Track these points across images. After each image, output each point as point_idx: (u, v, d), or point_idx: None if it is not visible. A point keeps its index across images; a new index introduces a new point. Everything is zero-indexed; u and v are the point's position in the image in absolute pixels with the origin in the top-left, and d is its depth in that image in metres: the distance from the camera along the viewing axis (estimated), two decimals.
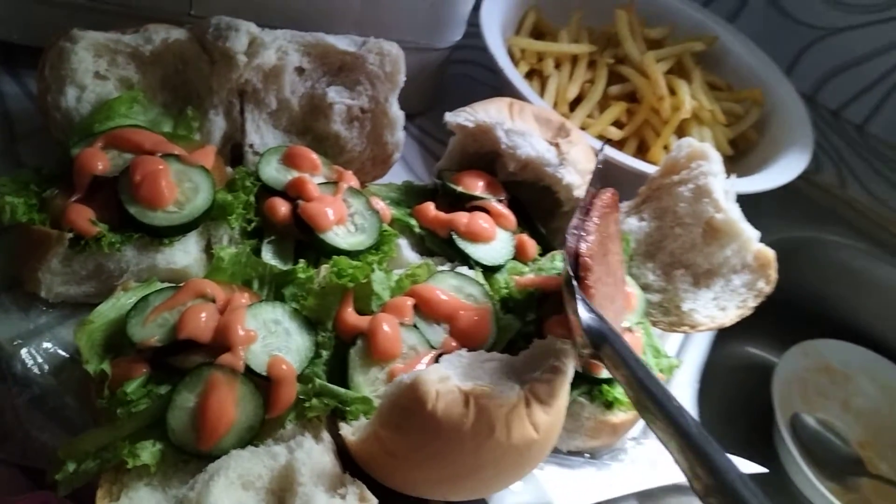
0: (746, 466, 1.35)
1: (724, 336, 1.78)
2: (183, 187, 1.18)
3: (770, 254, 1.29)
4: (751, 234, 1.28)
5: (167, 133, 1.28)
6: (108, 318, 1.05)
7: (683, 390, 1.48)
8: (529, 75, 1.71)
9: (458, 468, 0.97)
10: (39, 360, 1.08)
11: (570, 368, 1.01)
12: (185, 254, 1.19)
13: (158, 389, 1.00)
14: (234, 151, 1.37)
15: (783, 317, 2.04)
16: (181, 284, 1.09)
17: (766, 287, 1.30)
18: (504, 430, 0.93)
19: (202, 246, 1.22)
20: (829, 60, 2.23)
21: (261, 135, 1.36)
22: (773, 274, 1.29)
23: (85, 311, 1.17)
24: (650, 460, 1.27)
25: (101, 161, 1.17)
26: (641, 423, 1.33)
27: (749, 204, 1.45)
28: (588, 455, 1.25)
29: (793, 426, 1.94)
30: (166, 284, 1.11)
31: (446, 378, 0.92)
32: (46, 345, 1.10)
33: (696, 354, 1.56)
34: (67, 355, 1.10)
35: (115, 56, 1.26)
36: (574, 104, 1.68)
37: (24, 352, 1.07)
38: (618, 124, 1.68)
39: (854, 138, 2.25)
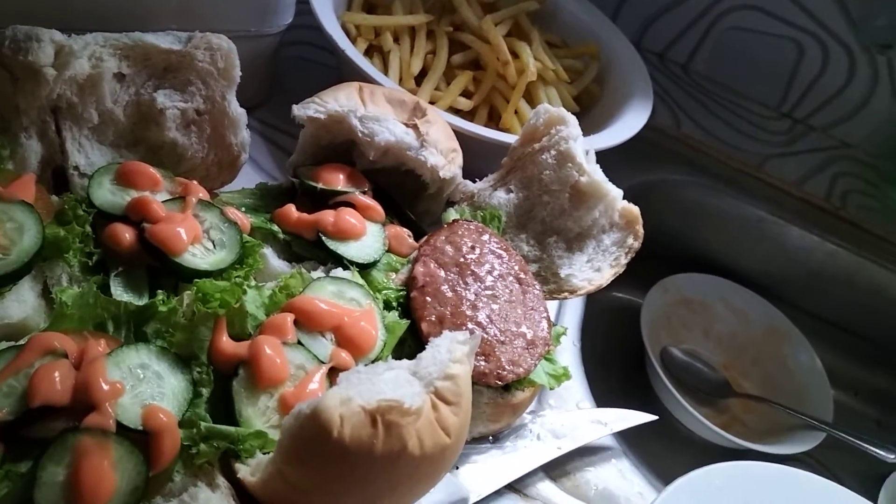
0: (638, 417, 1.39)
1: None
2: (4, 229, 1.02)
3: (635, 210, 1.31)
4: (615, 192, 1.29)
5: None
6: None
7: (567, 352, 1.49)
8: (369, 52, 1.63)
9: (374, 490, 0.91)
10: None
11: (471, 361, 0.98)
12: (20, 304, 1.03)
13: (17, 468, 0.87)
14: (56, 176, 1.21)
15: (642, 259, 2.12)
16: (22, 342, 0.95)
17: (635, 243, 1.32)
18: (416, 442, 0.89)
19: (38, 291, 1.07)
20: (648, 5, 2.30)
21: (85, 154, 1.21)
22: (640, 229, 1.31)
23: None
24: (552, 432, 1.28)
25: None
26: (538, 397, 1.33)
27: (598, 154, 1.47)
28: (492, 438, 1.24)
29: (663, 360, 2.02)
30: (5, 344, 0.96)
31: (348, 400, 0.85)
32: None
33: (574, 315, 1.58)
34: None
35: None
36: (419, 78, 1.62)
37: None
38: (466, 94, 1.64)
39: (681, 77, 2.35)
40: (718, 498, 1.22)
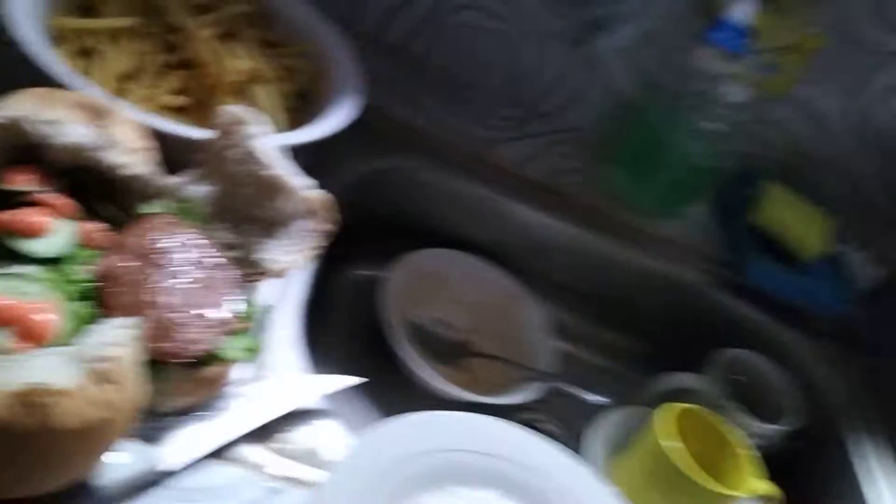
0: (346, 381, 1.53)
1: (330, 267, 1.97)
2: None
3: (321, 198, 1.43)
4: (299, 184, 1.42)
5: None
6: None
7: (286, 331, 1.61)
8: (82, 54, 1.67)
9: (37, 468, 1.00)
10: None
11: (135, 341, 1.08)
12: None
13: None
14: None
15: (383, 239, 2.30)
16: None
17: (324, 227, 1.45)
18: (73, 420, 0.97)
19: None
20: (382, 2, 2.47)
21: None
22: (328, 214, 1.44)
23: None
24: (259, 400, 1.40)
25: None
26: (254, 370, 1.45)
27: (330, 146, 1.67)
28: (196, 411, 1.34)
29: (407, 331, 2.19)
30: None
31: None
32: None
33: (295, 294, 1.71)
34: None
35: None
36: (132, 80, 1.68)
37: None
38: (184, 93, 1.72)
39: (415, 71, 2.53)
40: (411, 445, 1.38)
